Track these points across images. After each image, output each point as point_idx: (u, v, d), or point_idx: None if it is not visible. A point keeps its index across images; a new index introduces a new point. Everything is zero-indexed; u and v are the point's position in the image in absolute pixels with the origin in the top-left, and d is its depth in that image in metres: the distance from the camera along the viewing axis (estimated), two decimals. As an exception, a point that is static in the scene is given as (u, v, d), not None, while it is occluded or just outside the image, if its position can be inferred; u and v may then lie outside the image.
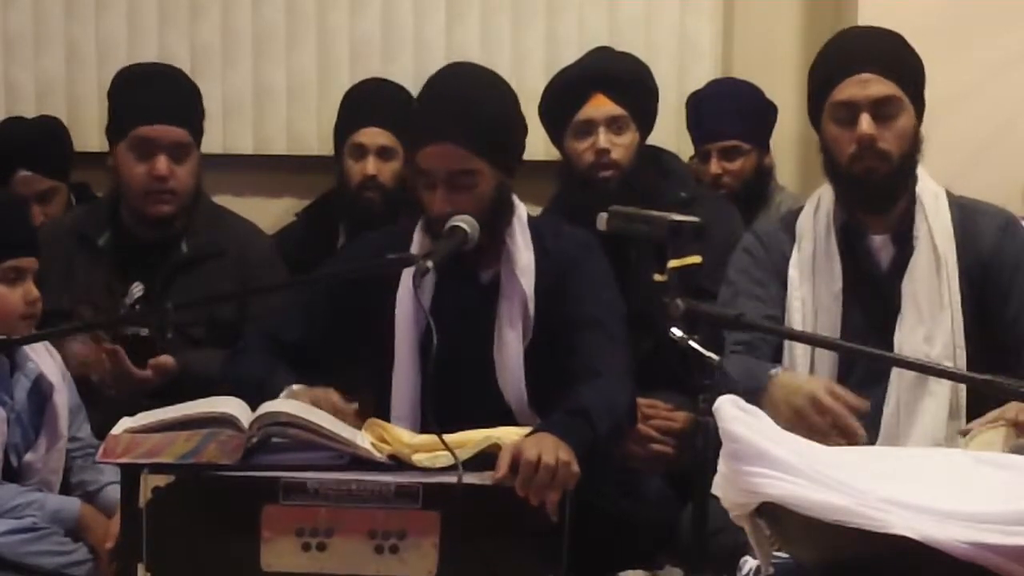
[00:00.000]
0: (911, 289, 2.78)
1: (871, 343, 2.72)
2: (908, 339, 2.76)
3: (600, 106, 3.34)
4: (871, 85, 2.75)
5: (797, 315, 2.83)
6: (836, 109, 2.78)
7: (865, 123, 2.74)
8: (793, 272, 2.86)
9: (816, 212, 2.89)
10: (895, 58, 2.81)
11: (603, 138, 3.32)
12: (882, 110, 2.75)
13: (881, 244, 2.84)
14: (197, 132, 3.38)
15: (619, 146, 3.34)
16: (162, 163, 3.26)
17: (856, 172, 2.77)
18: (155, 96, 3.35)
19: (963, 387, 2.72)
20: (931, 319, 2.76)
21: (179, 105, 3.36)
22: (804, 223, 2.89)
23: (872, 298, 2.82)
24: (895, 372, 2.76)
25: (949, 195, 2.86)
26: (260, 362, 2.81)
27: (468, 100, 2.77)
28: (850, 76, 2.76)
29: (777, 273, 2.88)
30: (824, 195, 2.90)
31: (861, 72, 2.76)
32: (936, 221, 2.80)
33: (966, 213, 2.84)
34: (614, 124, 3.35)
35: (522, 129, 2.91)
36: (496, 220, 2.79)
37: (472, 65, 3.02)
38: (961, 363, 2.74)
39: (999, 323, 2.78)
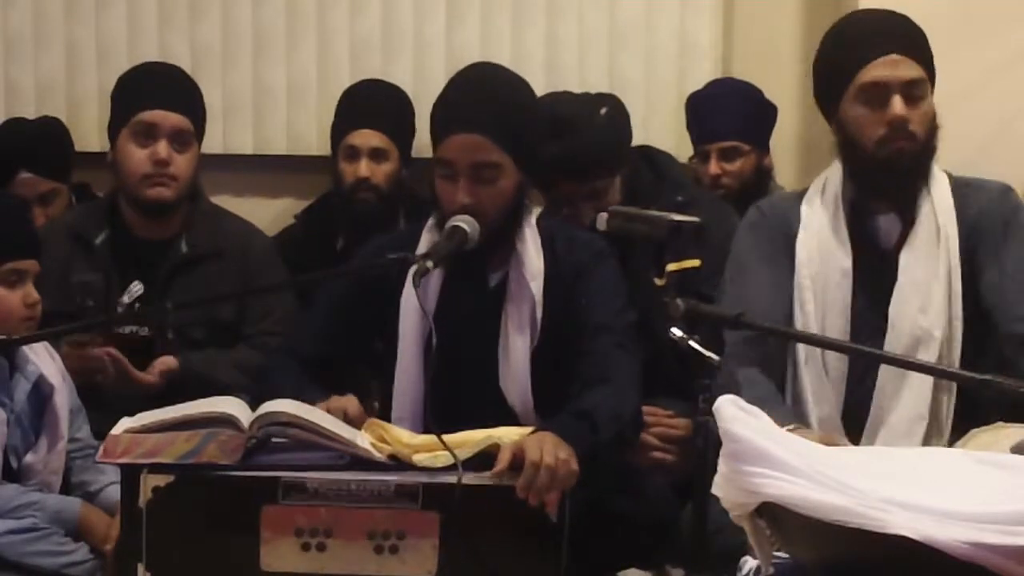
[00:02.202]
0: (909, 262, 2.79)
1: (872, 320, 2.76)
2: (902, 311, 2.77)
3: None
4: (901, 66, 2.75)
5: (808, 293, 2.82)
6: (864, 90, 2.76)
7: (898, 105, 2.73)
8: (801, 252, 2.85)
9: (823, 193, 2.88)
10: (917, 40, 2.81)
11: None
12: (911, 92, 2.75)
13: (888, 223, 2.83)
14: (198, 126, 3.39)
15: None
16: (163, 147, 3.28)
17: (884, 155, 2.76)
18: (159, 84, 3.41)
19: (953, 360, 2.74)
20: (926, 291, 2.76)
21: (183, 94, 3.40)
22: (809, 205, 2.88)
23: (875, 276, 2.82)
24: (886, 349, 2.76)
25: (950, 176, 2.86)
26: (290, 381, 2.77)
27: (496, 94, 2.78)
28: (879, 56, 2.74)
29: (784, 244, 2.88)
30: (831, 176, 2.89)
31: (890, 53, 2.75)
32: (938, 197, 2.80)
33: (962, 188, 2.84)
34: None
35: (542, 133, 2.91)
36: (510, 220, 2.78)
37: (500, 66, 3.01)
38: (957, 334, 2.75)
39: (981, 287, 2.78)
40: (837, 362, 2.80)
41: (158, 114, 3.30)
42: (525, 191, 2.83)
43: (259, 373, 2.96)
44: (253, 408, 2.47)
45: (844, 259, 2.82)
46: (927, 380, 2.74)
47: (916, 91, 2.76)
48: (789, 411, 2.74)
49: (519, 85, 2.86)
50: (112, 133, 3.38)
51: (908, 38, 2.80)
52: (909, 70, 2.75)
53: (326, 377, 2.81)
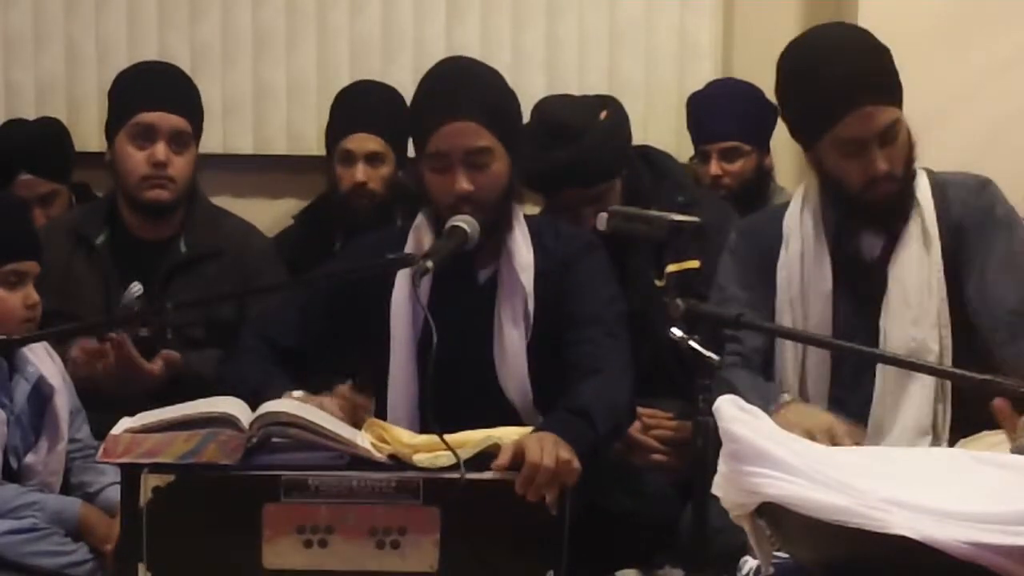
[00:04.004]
0: (898, 273, 2.75)
1: (859, 331, 2.72)
2: (894, 323, 2.74)
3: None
4: (876, 118, 2.66)
5: (787, 316, 2.81)
6: (842, 144, 2.68)
7: (879, 160, 2.67)
8: (781, 274, 2.83)
9: (803, 210, 2.84)
10: (883, 75, 2.71)
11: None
12: (887, 135, 2.68)
13: (871, 236, 2.80)
14: (196, 126, 3.38)
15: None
16: (161, 149, 3.27)
17: (867, 199, 2.72)
18: (156, 84, 3.39)
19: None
20: (918, 303, 2.73)
21: (180, 95, 3.39)
22: (791, 222, 2.85)
23: (860, 286, 2.79)
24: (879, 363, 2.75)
25: (927, 173, 2.81)
26: (257, 368, 2.79)
27: (477, 81, 2.80)
28: (852, 110, 2.65)
29: (762, 268, 2.85)
30: (810, 193, 2.84)
31: (862, 105, 2.65)
32: (923, 205, 2.76)
33: (941, 186, 2.79)
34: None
35: (522, 120, 2.93)
36: (503, 211, 2.78)
37: (470, 57, 3.05)
38: (947, 344, 2.72)
39: (965, 291, 2.75)
40: (817, 382, 2.78)
41: (156, 115, 3.29)
42: (515, 179, 2.83)
43: (228, 356, 2.96)
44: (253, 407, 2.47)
45: (825, 282, 2.79)
46: (928, 390, 2.70)
47: (891, 133, 2.69)
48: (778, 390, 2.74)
49: (494, 72, 2.89)
50: (109, 134, 3.37)
51: (875, 79, 2.69)
52: (883, 117, 2.67)
53: (297, 371, 2.80)
